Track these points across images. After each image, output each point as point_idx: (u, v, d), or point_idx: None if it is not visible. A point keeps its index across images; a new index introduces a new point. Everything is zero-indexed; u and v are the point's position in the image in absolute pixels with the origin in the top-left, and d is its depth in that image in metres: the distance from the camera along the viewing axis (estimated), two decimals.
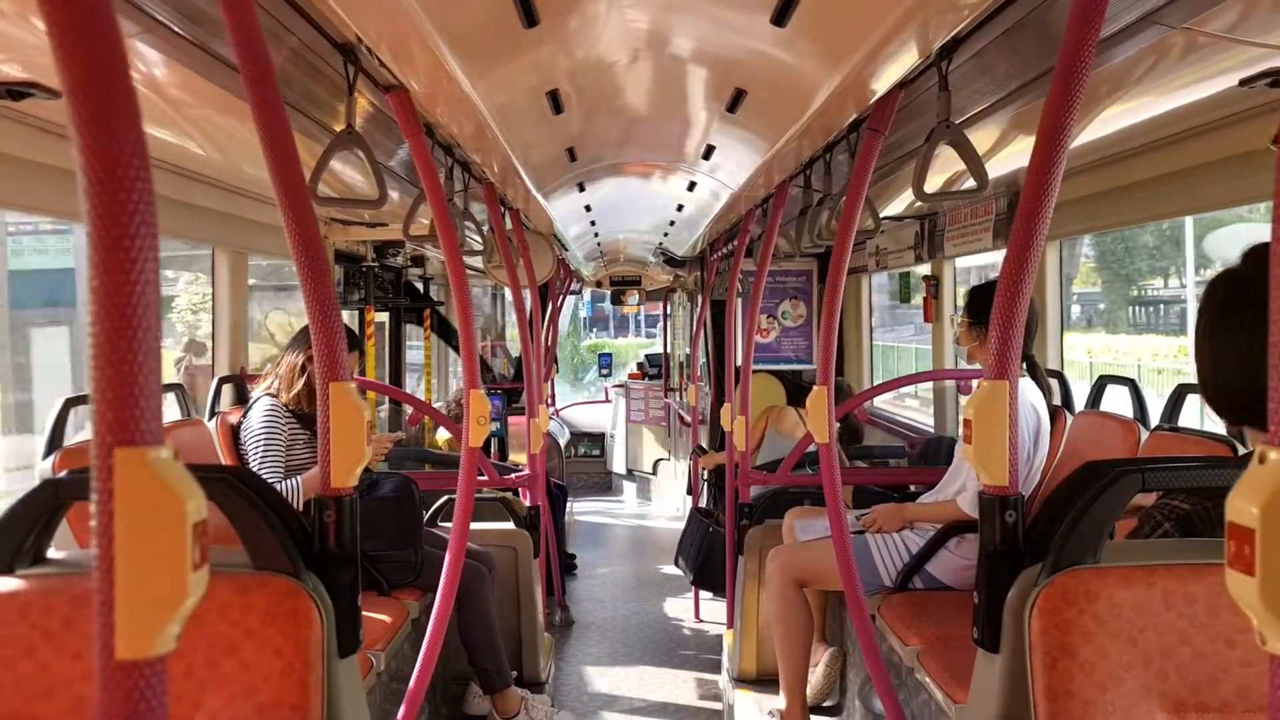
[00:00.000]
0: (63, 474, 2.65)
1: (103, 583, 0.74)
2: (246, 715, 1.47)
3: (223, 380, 3.98)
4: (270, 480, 3.37)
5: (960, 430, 1.82)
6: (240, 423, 3.58)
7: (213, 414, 3.79)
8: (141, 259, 0.74)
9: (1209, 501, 1.57)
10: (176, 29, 1.94)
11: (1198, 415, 3.43)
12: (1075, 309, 24.43)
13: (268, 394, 3.52)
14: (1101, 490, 1.45)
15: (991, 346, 1.50)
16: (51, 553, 1.65)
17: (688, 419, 8.00)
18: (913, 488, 4.20)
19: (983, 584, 1.54)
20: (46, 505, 1.61)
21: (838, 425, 5.40)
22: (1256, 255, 1.45)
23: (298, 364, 3.49)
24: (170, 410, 3.71)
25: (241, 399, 3.96)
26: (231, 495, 1.53)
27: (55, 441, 2.93)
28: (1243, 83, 2.17)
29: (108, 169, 0.74)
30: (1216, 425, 2.93)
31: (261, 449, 3.41)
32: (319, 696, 1.50)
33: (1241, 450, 2.41)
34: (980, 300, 3.36)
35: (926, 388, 6.25)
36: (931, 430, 5.23)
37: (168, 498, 0.76)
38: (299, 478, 3.39)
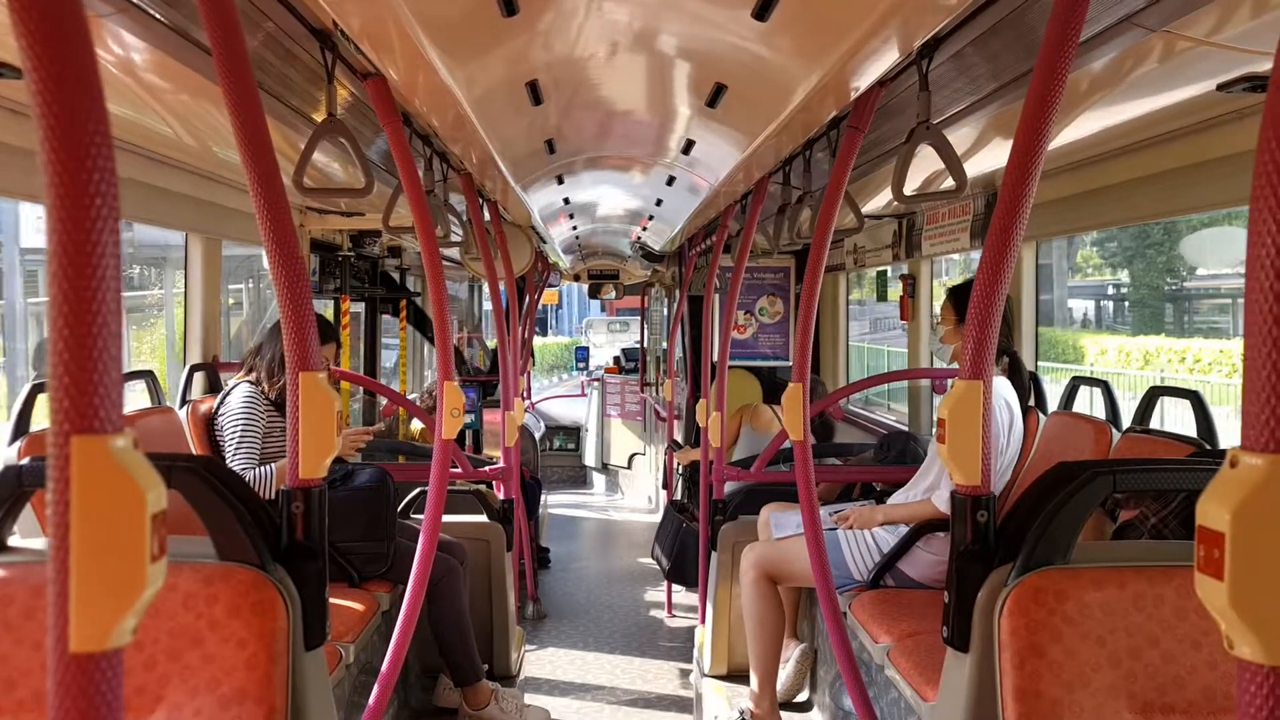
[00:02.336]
0: (25, 461, 2.61)
1: (57, 573, 0.72)
2: (209, 708, 1.45)
3: (194, 368, 3.94)
4: (244, 465, 3.35)
5: (934, 429, 1.82)
6: (212, 411, 3.55)
7: (184, 402, 3.75)
8: (103, 242, 0.73)
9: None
10: (150, 11, 1.91)
11: (1169, 418, 3.44)
12: (1109, 305, 21.64)
13: (249, 381, 3.50)
14: (1074, 492, 1.46)
15: (967, 346, 1.50)
16: (13, 541, 1.62)
17: (664, 414, 8.00)
18: (878, 486, 4.21)
19: (953, 583, 1.53)
20: (8, 493, 1.58)
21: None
22: None
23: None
24: (141, 398, 3.67)
25: (214, 388, 3.92)
26: (197, 485, 1.51)
27: (22, 427, 2.89)
28: (1220, 87, 2.18)
29: (70, 150, 0.72)
30: (1187, 428, 2.96)
31: (239, 433, 3.39)
32: (283, 689, 1.48)
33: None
34: (966, 299, 3.36)
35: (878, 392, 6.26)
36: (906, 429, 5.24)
37: (127, 487, 0.75)
38: (273, 465, 3.37)
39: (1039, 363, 4.03)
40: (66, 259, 0.72)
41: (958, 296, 3.43)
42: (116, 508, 0.74)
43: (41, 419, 3.02)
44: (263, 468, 3.36)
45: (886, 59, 2.03)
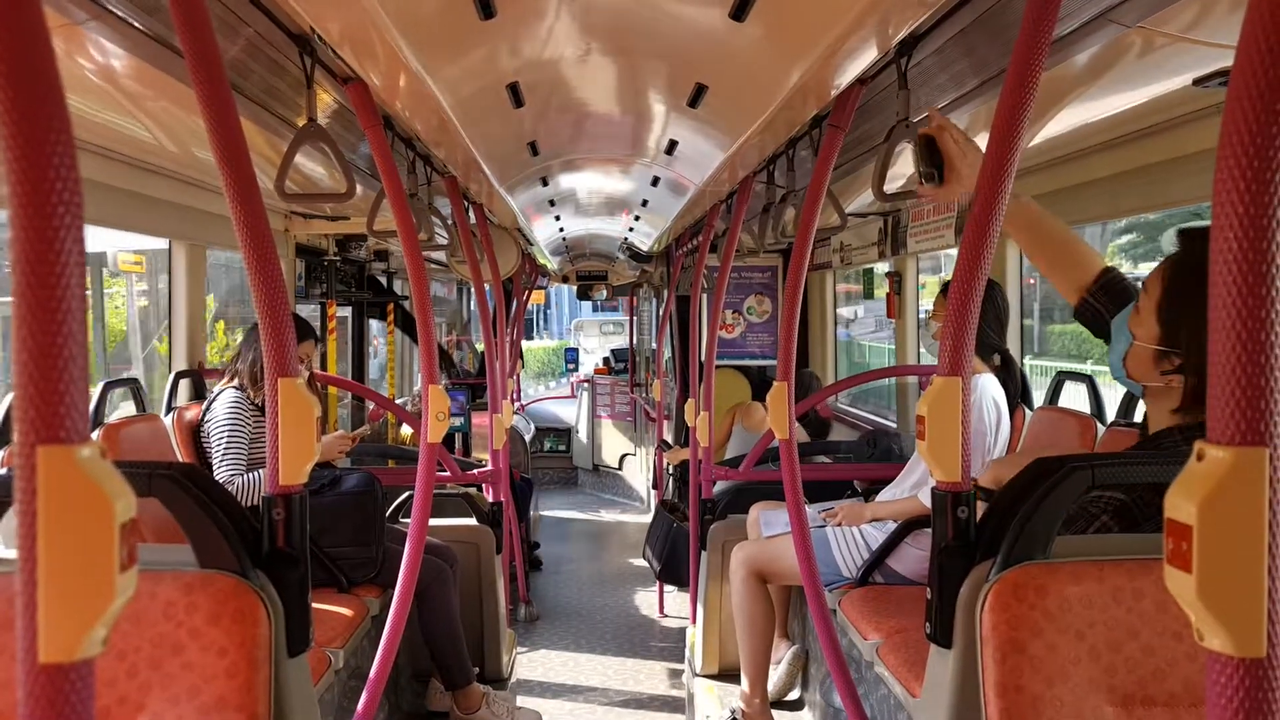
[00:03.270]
0: (3, 470, 2.60)
1: (25, 584, 0.72)
2: (190, 715, 1.44)
3: (179, 375, 3.93)
4: (231, 472, 3.34)
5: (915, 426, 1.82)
6: (197, 417, 3.54)
7: (169, 409, 3.74)
8: (67, 250, 0.72)
9: (1150, 492, 1.58)
10: (127, 18, 1.90)
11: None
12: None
13: (234, 387, 3.49)
14: (1052, 487, 1.46)
15: (945, 343, 1.50)
16: None
17: (654, 414, 8.00)
18: (858, 485, 4.21)
19: (935, 580, 1.54)
20: None
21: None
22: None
23: None
24: (126, 406, 3.66)
25: (199, 394, 3.91)
26: (176, 492, 1.50)
27: (5, 437, 2.87)
28: (1196, 82, 2.19)
29: (32, 158, 0.72)
30: None
31: (226, 439, 3.38)
32: (265, 697, 1.47)
33: None
34: None
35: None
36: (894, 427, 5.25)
37: (94, 497, 0.74)
38: (261, 471, 3.36)
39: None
40: (30, 267, 0.71)
41: None
42: (84, 518, 0.74)
43: None
44: (251, 474, 3.35)
45: (865, 57, 2.03)
